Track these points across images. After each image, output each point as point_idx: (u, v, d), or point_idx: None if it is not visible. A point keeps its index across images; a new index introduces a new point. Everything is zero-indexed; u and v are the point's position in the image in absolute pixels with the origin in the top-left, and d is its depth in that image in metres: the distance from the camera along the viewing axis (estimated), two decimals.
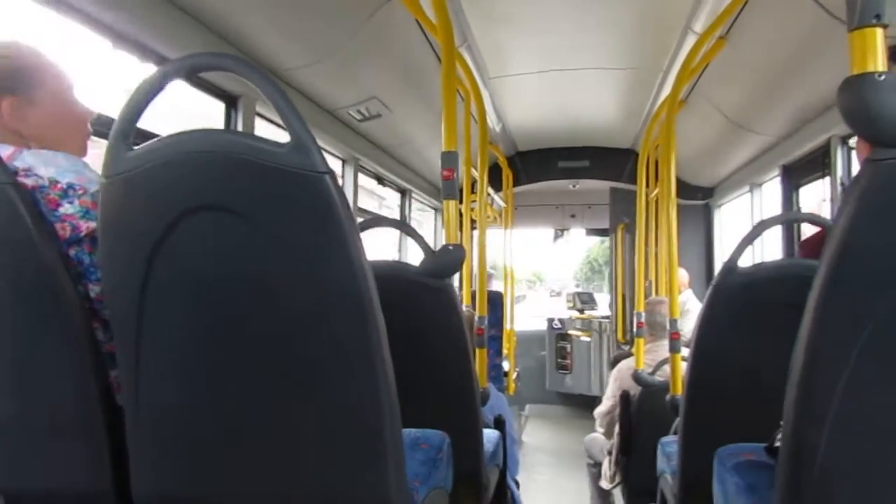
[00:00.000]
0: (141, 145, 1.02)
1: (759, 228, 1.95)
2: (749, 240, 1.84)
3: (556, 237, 7.19)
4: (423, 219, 5.78)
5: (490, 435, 2.18)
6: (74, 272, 1.14)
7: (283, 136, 0.99)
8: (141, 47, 1.89)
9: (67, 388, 1.12)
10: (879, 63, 0.86)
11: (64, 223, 1.14)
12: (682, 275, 4.80)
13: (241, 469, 1.08)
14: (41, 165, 1.17)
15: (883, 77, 0.82)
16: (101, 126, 1.38)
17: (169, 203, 0.99)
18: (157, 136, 1.03)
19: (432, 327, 1.79)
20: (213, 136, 0.99)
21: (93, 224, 1.14)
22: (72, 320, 1.10)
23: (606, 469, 3.16)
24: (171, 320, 1.04)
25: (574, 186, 5.90)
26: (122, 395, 1.09)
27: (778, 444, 1.02)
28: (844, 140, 2.90)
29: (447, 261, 1.78)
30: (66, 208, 1.14)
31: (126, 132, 1.02)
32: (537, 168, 5.55)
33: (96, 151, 1.23)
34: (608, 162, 5.42)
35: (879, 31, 0.86)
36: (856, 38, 0.87)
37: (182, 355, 1.05)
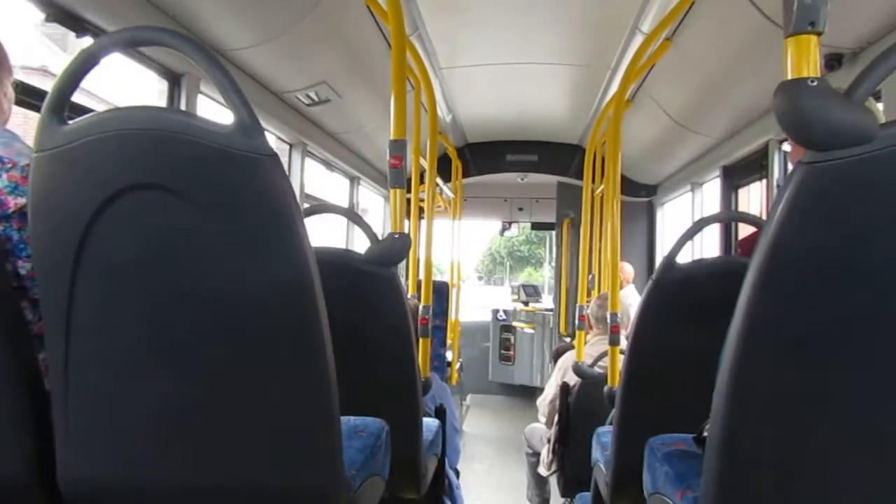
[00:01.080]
0: (75, 120, 0.98)
1: (698, 225, 2.01)
2: (688, 236, 1.88)
3: (504, 230, 7.26)
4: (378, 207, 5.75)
5: (430, 424, 2.19)
6: (1, 249, 1.09)
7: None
8: (77, 20, 1.81)
9: None
10: (813, 69, 0.89)
11: None
12: (628, 270, 4.90)
13: (173, 455, 1.06)
14: None
15: (815, 83, 0.85)
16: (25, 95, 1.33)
17: (104, 180, 0.96)
18: (92, 111, 0.99)
19: (376, 315, 1.79)
20: (151, 114, 0.96)
21: (22, 200, 1.09)
22: None
23: (545, 457, 3.21)
24: (103, 302, 1.00)
25: (522, 180, 5.96)
26: (50, 379, 1.05)
27: (706, 434, 1.05)
28: (781, 143, 3.01)
29: (392, 249, 1.78)
30: None
31: (59, 106, 0.98)
32: (486, 160, 5.58)
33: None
34: (556, 157, 5.49)
35: (814, 39, 0.89)
36: (791, 45, 0.90)
37: (113, 338, 1.02)
